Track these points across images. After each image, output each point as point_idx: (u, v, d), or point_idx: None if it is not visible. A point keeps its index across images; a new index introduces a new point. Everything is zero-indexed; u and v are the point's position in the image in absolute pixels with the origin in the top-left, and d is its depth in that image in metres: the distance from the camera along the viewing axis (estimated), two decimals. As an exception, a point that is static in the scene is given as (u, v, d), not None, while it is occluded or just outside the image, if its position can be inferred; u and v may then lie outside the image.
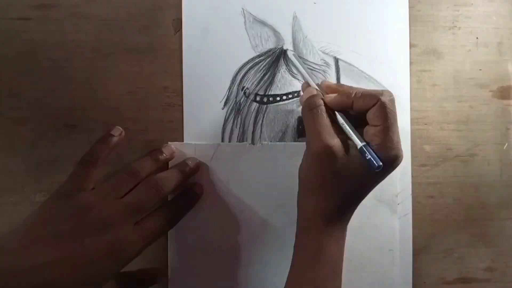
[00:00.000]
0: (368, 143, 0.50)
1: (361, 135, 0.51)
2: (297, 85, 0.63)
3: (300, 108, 0.63)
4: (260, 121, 0.63)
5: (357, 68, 0.64)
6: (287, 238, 0.58)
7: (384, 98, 0.50)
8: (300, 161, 0.54)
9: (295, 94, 0.63)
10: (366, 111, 0.51)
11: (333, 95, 0.54)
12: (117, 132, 0.58)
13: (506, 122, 0.67)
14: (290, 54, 0.62)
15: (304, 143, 0.54)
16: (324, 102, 0.54)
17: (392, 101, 0.51)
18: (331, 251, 0.53)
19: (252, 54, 0.63)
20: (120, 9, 0.62)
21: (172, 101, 0.62)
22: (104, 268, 0.50)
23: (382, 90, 0.51)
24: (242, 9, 0.63)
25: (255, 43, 0.63)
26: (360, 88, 0.53)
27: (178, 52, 0.62)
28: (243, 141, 0.63)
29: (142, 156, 0.60)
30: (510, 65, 0.67)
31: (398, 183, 0.64)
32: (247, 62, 0.63)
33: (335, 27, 0.64)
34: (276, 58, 0.63)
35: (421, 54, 0.66)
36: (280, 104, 0.63)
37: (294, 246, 0.56)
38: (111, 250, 0.50)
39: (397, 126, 0.51)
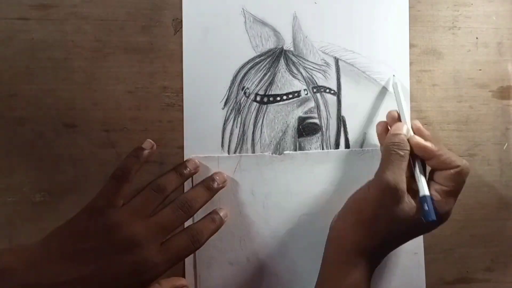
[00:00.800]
0: (431, 196, 0.53)
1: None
2: (297, 85, 0.63)
3: (299, 109, 0.63)
4: (261, 121, 0.63)
5: (357, 68, 0.64)
6: (313, 246, 0.58)
7: (465, 166, 0.53)
8: (321, 170, 0.56)
9: (295, 94, 0.63)
10: (444, 169, 0.54)
11: (420, 140, 0.56)
12: (149, 145, 0.58)
13: (506, 122, 0.67)
14: (397, 85, 0.63)
15: (325, 151, 0.58)
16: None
17: (468, 173, 0.54)
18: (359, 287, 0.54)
19: (253, 54, 0.63)
20: (120, 9, 0.62)
21: (172, 101, 0.62)
22: (127, 287, 0.50)
23: (463, 160, 0.54)
24: (242, 9, 0.63)
25: (255, 43, 0.63)
26: (443, 147, 0.56)
27: (178, 52, 0.62)
28: (243, 141, 0.63)
29: (167, 171, 0.59)
30: (510, 65, 0.67)
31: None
32: (247, 62, 0.63)
33: (335, 27, 0.64)
34: (276, 58, 0.63)
35: (421, 54, 0.66)
36: (280, 104, 0.63)
37: (318, 279, 0.56)
38: (135, 270, 0.50)
39: (457, 197, 0.55)
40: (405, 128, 0.57)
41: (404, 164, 0.54)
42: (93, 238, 0.50)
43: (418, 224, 0.53)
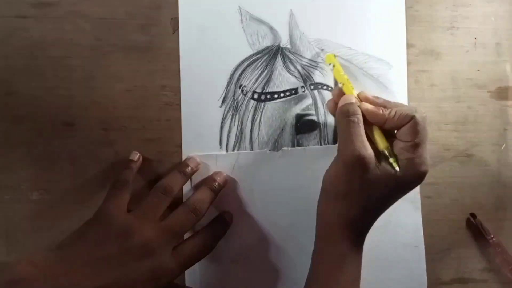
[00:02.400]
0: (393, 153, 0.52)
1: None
2: (294, 82, 0.64)
3: (297, 106, 0.63)
4: (258, 119, 0.63)
5: (354, 65, 0.64)
6: (313, 241, 0.57)
7: (418, 116, 0.51)
8: (320, 165, 0.55)
9: (293, 92, 0.63)
10: (398, 129, 0.53)
11: (370, 106, 0.55)
12: (135, 157, 0.61)
13: (504, 123, 0.67)
14: (335, 58, 0.62)
15: (323, 147, 0.59)
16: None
17: (425, 118, 0.52)
18: (352, 260, 0.53)
19: (249, 52, 0.63)
20: (119, 8, 0.62)
21: (170, 100, 0.62)
22: None
23: (416, 107, 0.53)
24: (239, 7, 0.63)
25: (252, 41, 0.63)
26: (396, 104, 0.55)
27: (176, 51, 0.62)
28: (241, 139, 0.63)
29: (170, 172, 0.60)
30: (508, 66, 0.67)
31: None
32: (244, 60, 0.63)
33: (332, 24, 0.64)
34: (273, 55, 0.63)
35: (419, 54, 0.66)
36: (277, 102, 0.63)
37: (313, 254, 0.56)
38: (152, 275, 0.51)
39: (427, 143, 0.52)
40: (352, 98, 0.55)
41: (361, 130, 0.52)
42: (110, 245, 0.50)
43: (396, 188, 0.52)
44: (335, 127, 0.64)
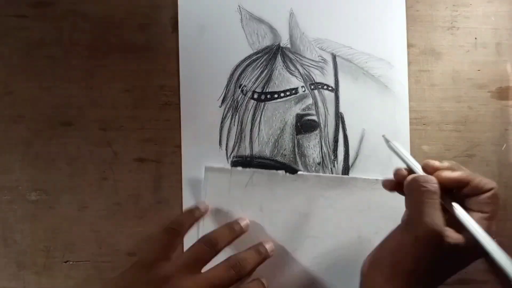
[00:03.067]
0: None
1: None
2: (294, 82, 0.63)
3: (297, 106, 0.63)
4: (258, 119, 0.63)
5: (354, 64, 0.64)
6: (315, 268, 0.57)
7: (496, 188, 0.49)
8: (333, 194, 0.54)
9: (293, 91, 0.63)
10: (477, 195, 0.49)
11: (450, 173, 0.50)
12: (203, 206, 0.60)
13: (505, 123, 0.67)
14: (393, 144, 0.56)
15: (339, 177, 0.58)
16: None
17: (499, 195, 0.50)
18: None
19: (249, 51, 0.63)
20: (118, 7, 0.62)
21: (169, 99, 0.62)
22: None
23: (493, 181, 0.50)
24: (239, 6, 0.63)
25: (252, 40, 0.63)
26: (470, 172, 0.51)
27: (175, 51, 0.62)
28: (240, 139, 0.63)
29: (219, 227, 0.59)
30: (508, 66, 0.67)
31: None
32: (244, 60, 0.63)
33: (332, 23, 0.64)
34: (273, 55, 0.63)
35: (420, 54, 0.66)
36: (278, 101, 0.63)
37: None
38: None
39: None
40: (436, 164, 0.51)
41: (437, 202, 0.48)
42: None
43: (463, 258, 0.48)
44: (335, 127, 0.64)
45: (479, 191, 0.49)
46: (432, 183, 0.49)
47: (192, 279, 0.51)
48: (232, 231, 0.58)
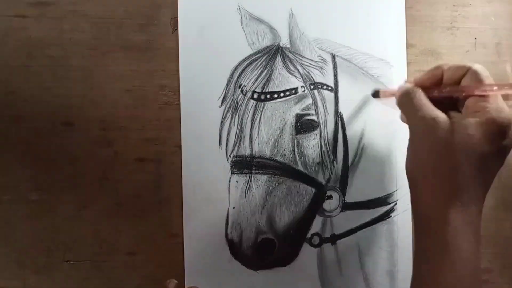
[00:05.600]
0: None
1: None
2: (294, 82, 0.63)
3: (297, 106, 0.63)
4: (258, 119, 0.63)
5: (354, 64, 0.64)
6: None
7: (475, 66, 0.48)
8: None
9: (293, 91, 0.63)
10: (458, 81, 0.49)
11: (422, 74, 0.53)
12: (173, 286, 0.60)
13: (505, 123, 0.67)
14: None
15: None
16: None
17: (483, 68, 0.48)
18: (467, 244, 0.46)
19: (249, 51, 0.63)
20: (118, 7, 0.62)
21: (170, 99, 0.62)
22: None
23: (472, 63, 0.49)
24: (238, 6, 0.63)
25: (252, 40, 0.63)
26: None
27: (176, 51, 0.62)
28: (240, 139, 0.63)
29: None
30: (508, 66, 0.67)
31: (397, 179, 0.65)
32: (244, 60, 0.63)
33: (331, 24, 0.64)
34: (273, 55, 0.63)
35: (420, 54, 0.66)
36: (277, 101, 0.63)
37: (413, 261, 0.52)
38: None
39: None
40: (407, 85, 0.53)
41: (424, 100, 0.49)
42: None
43: (482, 144, 0.45)
44: (335, 127, 0.64)
45: (459, 73, 0.49)
46: (412, 89, 0.51)
47: None
48: None
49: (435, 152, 0.47)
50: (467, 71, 0.48)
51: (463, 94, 0.48)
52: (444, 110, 0.48)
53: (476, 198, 0.47)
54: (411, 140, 0.51)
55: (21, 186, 0.61)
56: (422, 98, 0.49)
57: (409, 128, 0.51)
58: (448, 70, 0.50)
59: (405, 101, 0.51)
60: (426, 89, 0.51)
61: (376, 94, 0.59)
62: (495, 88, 0.47)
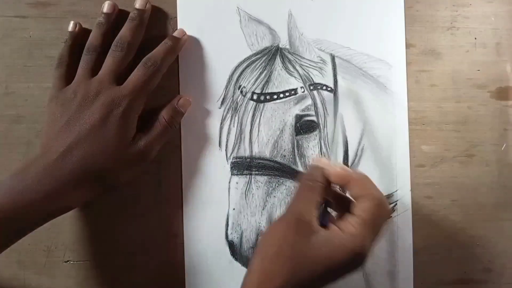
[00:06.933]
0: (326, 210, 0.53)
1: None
2: (294, 83, 0.63)
3: (296, 107, 0.63)
4: (258, 120, 0.63)
5: (354, 65, 0.64)
6: None
7: (377, 195, 0.50)
8: None
9: (292, 92, 0.63)
10: (358, 200, 0.50)
11: (338, 168, 0.52)
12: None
13: (504, 123, 0.67)
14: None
15: None
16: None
17: (385, 209, 0.50)
18: None
19: (248, 52, 0.63)
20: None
21: (170, 100, 0.62)
22: (113, 132, 0.54)
23: (382, 194, 0.51)
24: (237, 7, 0.63)
25: (251, 41, 0.63)
26: (369, 180, 0.52)
27: (176, 51, 0.62)
28: (240, 140, 0.63)
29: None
30: (508, 66, 0.67)
31: (397, 179, 0.65)
32: (243, 61, 0.63)
33: (331, 24, 0.64)
34: (272, 56, 0.63)
35: (419, 54, 0.66)
36: (277, 102, 0.63)
37: None
38: (107, 110, 0.54)
39: (377, 234, 0.50)
40: (325, 161, 0.54)
41: (314, 196, 0.50)
42: (67, 109, 0.55)
43: (334, 263, 0.47)
44: (334, 128, 0.64)
45: (363, 193, 0.50)
46: (314, 179, 0.52)
47: (115, 88, 0.56)
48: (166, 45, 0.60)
49: (280, 247, 0.48)
50: (369, 193, 0.50)
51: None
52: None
53: None
54: (279, 217, 0.53)
55: (21, 186, 0.61)
56: (315, 196, 0.51)
57: (289, 203, 0.53)
58: (357, 180, 0.51)
59: (303, 184, 0.53)
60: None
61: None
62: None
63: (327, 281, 0.49)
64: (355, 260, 0.48)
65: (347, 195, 0.54)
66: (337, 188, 0.55)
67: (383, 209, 0.50)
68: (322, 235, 0.48)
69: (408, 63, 0.65)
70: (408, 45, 0.65)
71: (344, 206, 0.53)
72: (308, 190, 0.51)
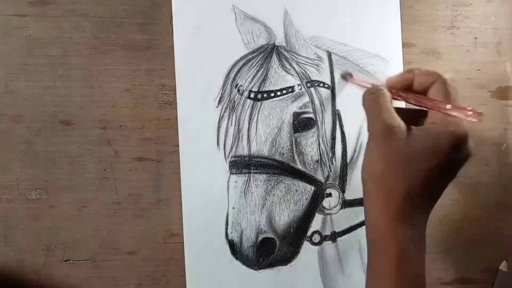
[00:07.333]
0: None
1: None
2: (290, 81, 0.63)
3: (294, 104, 0.63)
4: (255, 118, 0.63)
5: (350, 61, 0.64)
6: None
7: (444, 76, 0.47)
8: None
9: (289, 90, 0.63)
10: (427, 89, 0.48)
11: (394, 75, 0.51)
12: None
13: (504, 123, 0.67)
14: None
15: None
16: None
17: (452, 80, 0.48)
18: (411, 260, 0.47)
19: (245, 51, 0.63)
20: (118, 7, 0.62)
21: (170, 99, 0.62)
22: None
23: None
24: (233, 6, 0.63)
25: (247, 39, 0.63)
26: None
27: (175, 50, 0.62)
28: (238, 139, 0.63)
29: None
30: (508, 66, 0.67)
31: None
32: (240, 59, 0.63)
33: (327, 21, 0.64)
34: (269, 54, 0.63)
35: (420, 53, 0.66)
36: (274, 100, 0.63)
37: (367, 268, 0.50)
38: None
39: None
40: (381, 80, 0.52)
41: (387, 104, 0.48)
42: None
43: (436, 156, 0.44)
44: (333, 124, 0.64)
45: (428, 83, 0.48)
46: (379, 90, 0.49)
47: None
48: None
49: (386, 161, 0.46)
50: (436, 79, 0.48)
51: (424, 107, 0.48)
52: (408, 115, 0.48)
53: (423, 211, 0.47)
54: (368, 144, 0.49)
55: (21, 185, 0.61)
56: (386, 101, 0.48)
57: (368, 130, 0.49)
58: (419, 75, 0.49)
59: (369, 100, 0.49)
60: (395, 92, 0.50)
61: (344, 77, 0.60)
62: (454, 113, 0.46)
63: (445, 176, 0.47)
64: (460, 140, 0.46)
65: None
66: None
67: (452, 81, 0.48)
68: (416, 133, 0.45)
69: (408, 63, 0.65)
70: (408, 45, 0.65)
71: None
72: (376, 100, 0.48)
